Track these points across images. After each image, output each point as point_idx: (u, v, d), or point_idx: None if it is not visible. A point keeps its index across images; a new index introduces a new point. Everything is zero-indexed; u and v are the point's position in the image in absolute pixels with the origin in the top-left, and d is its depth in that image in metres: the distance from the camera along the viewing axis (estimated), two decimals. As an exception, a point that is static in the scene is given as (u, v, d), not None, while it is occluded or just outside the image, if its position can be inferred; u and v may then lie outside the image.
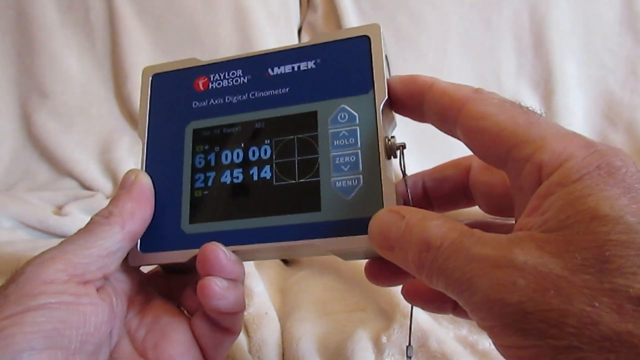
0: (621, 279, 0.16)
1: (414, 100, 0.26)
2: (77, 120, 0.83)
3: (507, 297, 0.17)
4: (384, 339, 0.37)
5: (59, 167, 0.79)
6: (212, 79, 0.31)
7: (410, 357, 0.29)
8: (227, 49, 0.82)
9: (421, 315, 0.39)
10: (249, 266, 0.49)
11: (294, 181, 0.27)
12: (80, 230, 0.27)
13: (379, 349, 0.37)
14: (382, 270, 0.28)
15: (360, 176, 0.25)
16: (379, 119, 0.26)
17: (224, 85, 0.30)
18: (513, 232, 0.20)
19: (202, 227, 0.28)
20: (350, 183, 0.25)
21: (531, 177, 0.20)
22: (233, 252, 0.27)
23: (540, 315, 0.16)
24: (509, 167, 0.21)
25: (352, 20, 0.88)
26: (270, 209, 0.27)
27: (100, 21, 0.86)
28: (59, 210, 0.68)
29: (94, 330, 0.25)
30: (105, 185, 0.76)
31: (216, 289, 0.26)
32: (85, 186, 0.77)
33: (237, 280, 0.27)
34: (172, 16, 0.86)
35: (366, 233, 0.24)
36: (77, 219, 0.65)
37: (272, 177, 0.27)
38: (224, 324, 0.28)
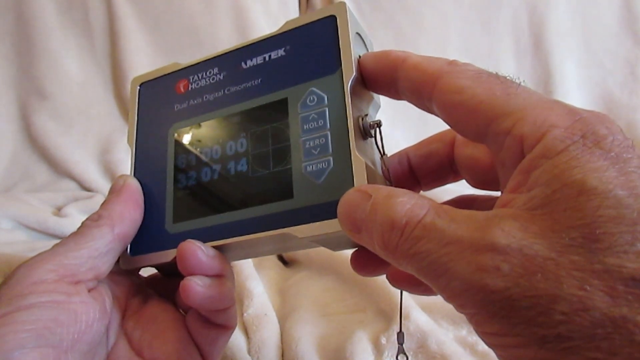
0: (612, 258, 0.15)
1: (387, 77, 0.24)
2: (76, 121, 0.83)
3: (491, 283, 0.16)
4: (383, 340, 0.37)
5: (58, 168, 0.79)
6: (191, 80, 0.31)
7: (401, 344, 0.28)
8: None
9: (421, 317, 0.39)
10: (249, 267, 0.49)
11: (267, 171, 0.26)
12: (71, 234, 0.27)
13: (378, 349, 0.37)
14: (368, 259, 0.27)
15: (331, 158, 0.24)
16: (347, 97, 0.25)
17: (201, 84, 0.31)
18: (494, 208, 0.18)
19: (185, 225, 0.28)
20: (321, 166, 0.24)
21: (513, 151, 0.18)
22: (214, 247, 0.27)
23: (527, 301, 0.15)
24: (489, 141, 0.20)
25: (352, 21, 0.89)
26: (246, 201, 0.26)
27: (99, 22, 0.86)
28: (58, 211, 0.68)
29: (86, 328, 0.24)
30: (105, 186, 0.76)
31: (198, 289, 0.25)
32: (85, 187, 0.77)
33: (222, 275, 0.27)
34: (171, 17, 0.86)
35: (337, 216, 0.22)
36: (76, 220, 0.65)
37: (247, 169, 0.27)
38: (216, 321, 0.28)
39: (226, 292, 0.27)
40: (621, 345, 0.14)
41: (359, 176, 0.23)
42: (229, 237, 0.26)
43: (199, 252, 0.26)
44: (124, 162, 0.78)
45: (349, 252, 0.40)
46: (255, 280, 0.46)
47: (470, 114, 0.20)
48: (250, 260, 0.51)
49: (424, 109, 0.23)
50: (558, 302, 0.15)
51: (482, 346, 0.37)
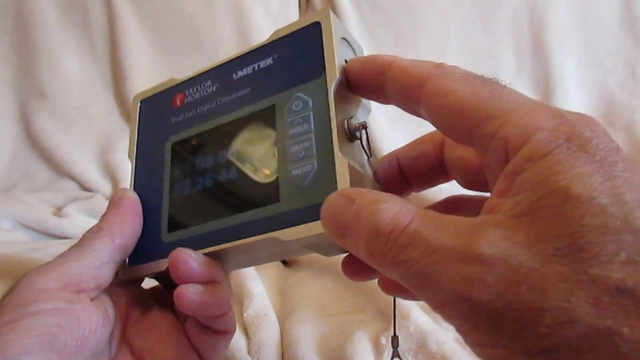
0: (597, 269, 0.14)
1: (374, 82, 0.24)
2: (76, 121, 0.83)
3: (476, 295, 0.16)
4: (383, 340, 0.37)
5: (58, 168, 0.79)
6: (187, 93, 0.32)
7: (396, 348, 0.28)
8: (226, 49, 0.83)
9: (421, 317, 0.39)
10: (249, 268, 0.49)
11: (256, 177, 0.27)
12: (72, 245, 0.28)
13: (378, 350, 0.37)
14: (358, 265, 0.26)
15: (315, 160, 0.24)
16: (330, 99, 0.25)
17: (196, 97, 0.31)
18: (481, 213, 0.18)
19: (178, 234, 0.29)
20: (306, 169, 0.25)
21: (498, 154, 0.18)
22: (207, 255, 0.27)
23: (513, 314, 0.15)
24: (475, 144, 0.20)
25: (352, 21, 0.89)
26: (236, 208, 0.27)
27: (99, 22, 0.86)
28: (58, 211, 0.68)
29: (89, 335, 0.25)
30: (105, 186, 0.76)
31: (191, 296, 0.25)
32: (85, 187, 0.77)
33: (216, 282, 0.27)
34: (171, 17, 0.86)
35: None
36: (76, 220, 0.65)
37: (237, 176, 0.27)
38: (215, 327, 0.28)
39: (221, 299, 0.27)
40: (607, 357, 0.14)
41: (342, 177, 0.23)
42: (219, 244, 0.27)
43: (190, 259, 0.26)
44: (124, 162, 0.78)
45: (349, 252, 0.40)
46: (255, 280, 0.46)
47: (456, 116, 0.20)
48: (250, 260, 0.51)
49: (412, 113, 0.23)
50: (543, 314, 0.15)
51: (482, 346, 0.37)
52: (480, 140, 0.19)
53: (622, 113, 0.86)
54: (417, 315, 0.39)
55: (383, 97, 0.25)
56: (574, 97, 0.87)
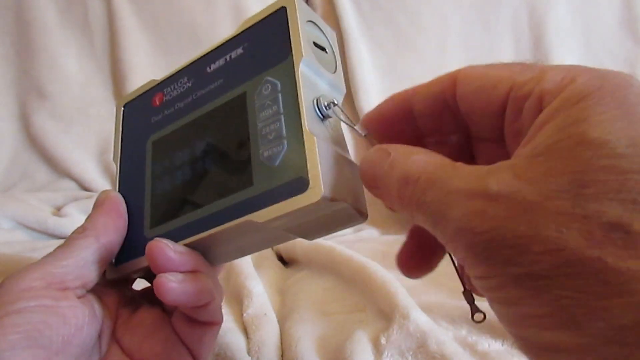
0: (595, 204, 0.15)
1: (404, 115, 0.25)
2: (76, 121, 0.83)
3: (477, 226, 0.17)
4: (383, 340, 0.37)
5: (58, 168, 0.79)
6: (165, 92, 0.32)
7: (472, 303, 0.26)
8: (226, 49, 0.83)
9: (421, 317, 0.38)
10: (249, 267, 0.49)
11: (230, 165, 0.27)
12: (58, 246, 0.28)
13: (378, 349, 0.37)
14: (414, 258, 0.27)
15: (285, 141, 0.25)
16: (297, 79, 0.25)
17: (174, 95, 0.32)
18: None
19: (160, 229, 0.29)
20: (276, 150, 0.25)
21: (532, 112, 0.19)
22: (187, 246, 0.27)
23: (508, 242, 0.16)
24: (508, 112, 0.20)
25: (351, 20, 0.88)
26: (213, 197, 0.27)
27: (99, 21, 0.86)
28: (58, 211, 0.68)
29: (75, 331, 0.25)
30: (104, 186, 0.76)
31: (170, 284, 0.25)
32: (84, 187, 0.77)
33: (196, 271, 0.27)
34: (171, 16, 0.86)
35: (292, 196, 0.23)
36: (75, 220, 0.65)
37: (213, 166, 0.28)
38: (200, 318, 0.28)
39: (202, 287, 0.27)
40: (589, 284, 0.15)
41: (311, 154, 0.23)
42: (197, 234, 0.27)
43: (166, 249, 0.26)
44: (124, 161, 0.78)
45: (349, 252, 0.40)
46: (255, 280, 0.46)
47: (491, 91, 0.21)
48: (249, 260, 0.51)
49: (452, 122, 0.24)
50: (534, 243, 0.15)
51: (482, 346, 0.37)
52: (514, 105, 0.20)
53: (622, 113, 0.86)
54: (417, 315, 0.39)
55: (417, 126, 0.25)
56: (574, 97, 0.87)
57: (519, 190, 0.16)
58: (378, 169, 0.22)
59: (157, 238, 0.27)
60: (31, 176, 0.79)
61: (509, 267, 0.16)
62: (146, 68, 0.84)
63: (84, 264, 0.27)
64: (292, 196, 0.23)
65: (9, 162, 0.81)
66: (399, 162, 0.21)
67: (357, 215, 0.25)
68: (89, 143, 0.81)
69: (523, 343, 0.17)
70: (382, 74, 0.89)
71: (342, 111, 0.26)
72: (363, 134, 0.26)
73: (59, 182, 0.78)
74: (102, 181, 0.77)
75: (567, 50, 0.89)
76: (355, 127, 0.26)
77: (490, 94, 0.21)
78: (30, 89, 0.84)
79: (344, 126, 0.27)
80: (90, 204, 0.73)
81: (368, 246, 0.63)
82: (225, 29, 0.85)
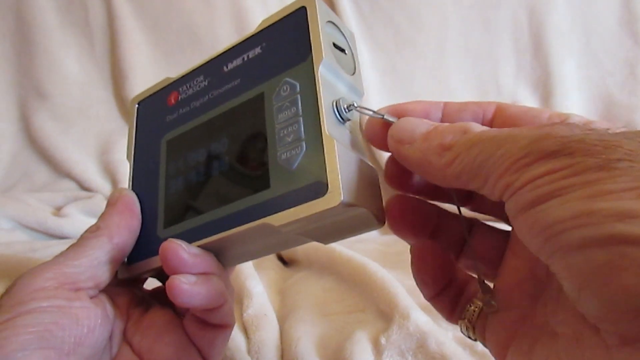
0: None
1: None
2: (76, 121, 0.83)
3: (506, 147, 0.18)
4: (382, 340, 0.37)
5: (58, 168, 0.79)
6: (180, 91, 0.32)
7: (487, 292, 0.25)
8: (226, 50, 0.83)
9: (421, 317, 0.39)
10: (249, 267, 0.49)
11: (247, 166, 0.27)
12: (70, 245, 0.28)
13: (378, 350, 0.37)
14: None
15: (303, 143, 0.24)
16: (317, 81, 0.25)
17: (189, 93, 0.31)
18: None
19: (174, 229, 0.28)
20: (295, 152, 0.24)
21: None
22: (201, 247, 0.27)
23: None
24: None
25: (351, 20, 0.89)
26: (228, 198, 0.26)
27: (99, 22, 0.86)
28: (58, 211, 0.68)
29: (88, 332, 0.25)
30: (104, 186, 0.76)
31: (183, 286, 0.25)
32: (84, 187, 0.77)
33: (209, 273, 0.27)
34: (171, 17, 0.86)
35: (310, 200, 0.22)
36: (76, 220, 0.65)
37: (229, 167, 0.27)
38: (212, 321, 0.28)
39: (215, 290, 0.26)
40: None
41: (330, 157, 0.23)
42: (211, 235, 0.26)
43: (180, 250, 0.26)
44: (124, 162, 0.77)
45: (348, 252, 0.40)
46: (255, 280, 0.46)
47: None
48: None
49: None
50: (547, 137, 0.17)
51: (482, 346, 0.37)
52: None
53: (621, 113, 0.86)
54: (417, 315, 0.39)
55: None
56: (573, 97, 0.87)
57: (589, 134, 0.17)
58: (421, 127, 0.22)
59: (171, 239, 0.26)
60: (31, 176, 0.79)
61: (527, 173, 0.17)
62: (146, 68, 0.84)
63: (97, 264, 0.27)
64: (310, 200, 0.23)
65: (9, 162, 0.81)
66: (437, 130, 0.22)
67: (375, 220, 0.24)
68: (89, 143, 0.81)
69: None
70: (382, 74, 0.89)
71: (364, 108, 0.25)
72: (394, 120, 0.25)
73: (59, 183, 0.78)
74: (102, 181, 0.77)
75: (567, 51, 0.89)
76: (385, 116, 0.25)
77: None
78: (30, 89, 0.84)
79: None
80: (90, 204, 0.73)
81: (368, 246, 0.63)
82: (224, 30, 0.85)
